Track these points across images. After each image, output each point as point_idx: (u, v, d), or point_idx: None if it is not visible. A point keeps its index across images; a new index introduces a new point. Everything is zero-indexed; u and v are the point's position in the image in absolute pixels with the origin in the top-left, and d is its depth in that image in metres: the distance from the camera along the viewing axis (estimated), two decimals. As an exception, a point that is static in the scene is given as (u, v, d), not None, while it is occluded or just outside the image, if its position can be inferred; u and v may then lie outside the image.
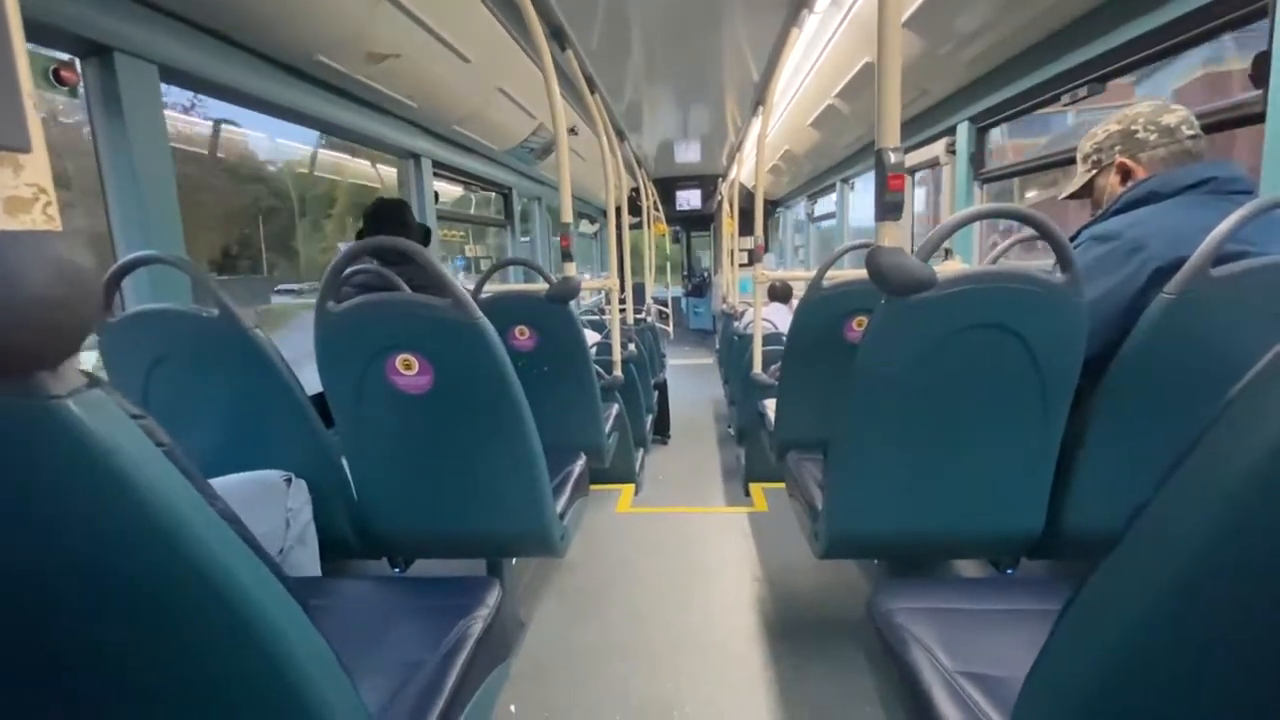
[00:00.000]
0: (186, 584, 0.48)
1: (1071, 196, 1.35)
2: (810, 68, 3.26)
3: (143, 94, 1.45)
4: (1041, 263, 1.50)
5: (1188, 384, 1.02)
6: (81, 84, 1.39)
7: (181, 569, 0.47)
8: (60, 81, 1.36)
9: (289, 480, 1.30)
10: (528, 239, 4.95)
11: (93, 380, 0.42)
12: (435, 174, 3.10)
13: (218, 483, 1.21)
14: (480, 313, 1.18)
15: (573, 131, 3.81)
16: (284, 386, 1.25)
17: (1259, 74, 1.41)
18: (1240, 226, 0.97)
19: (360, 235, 1.91)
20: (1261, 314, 0.98)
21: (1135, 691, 0.45)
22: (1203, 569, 0.39)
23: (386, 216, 1.89)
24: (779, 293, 4.25)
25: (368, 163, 3.33)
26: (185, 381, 1.26)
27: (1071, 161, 1.38)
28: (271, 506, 1.25)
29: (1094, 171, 1.27)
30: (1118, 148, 1.22)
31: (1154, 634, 0.43)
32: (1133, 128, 1.20)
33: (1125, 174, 1.22)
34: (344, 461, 1.38)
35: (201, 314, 1.22)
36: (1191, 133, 1.17)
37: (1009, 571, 1.39)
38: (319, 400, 1.31)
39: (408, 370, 1.22)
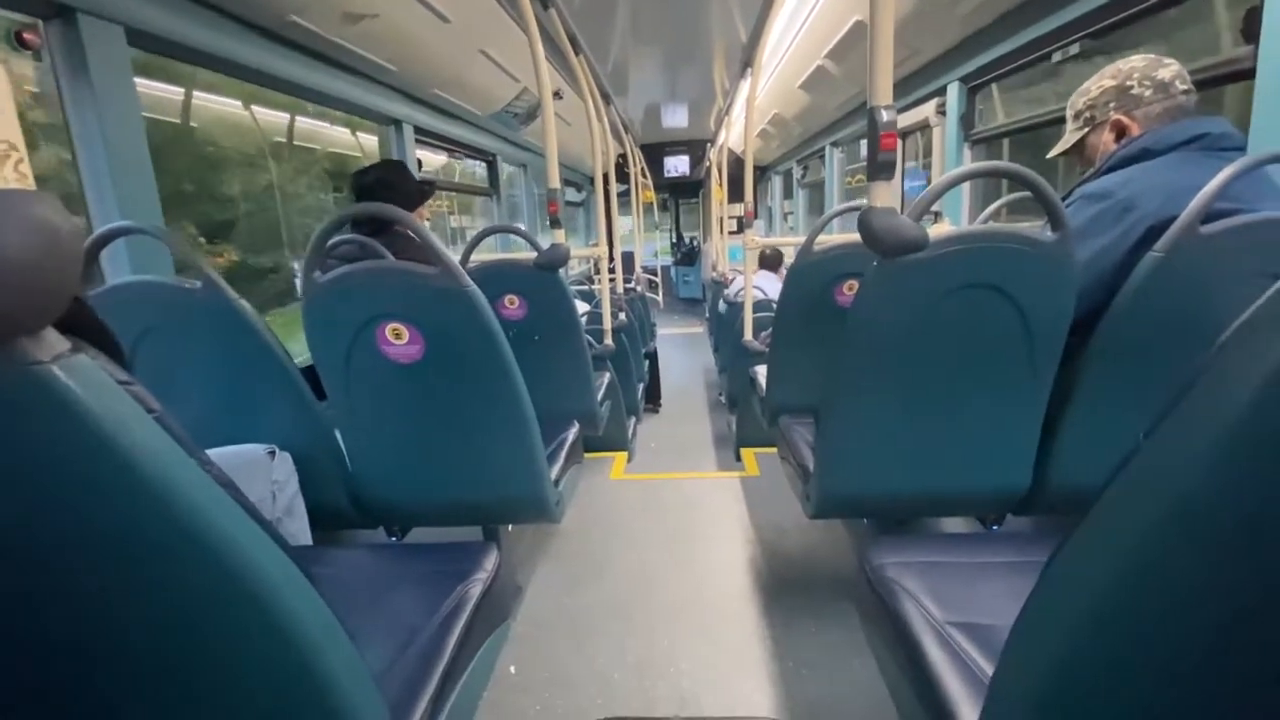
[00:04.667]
0: (184, 550, 0.47)
1: (1061, 154, 1.34)
2: (799, 27, 3.19)
3: (110, 57, 1.40)
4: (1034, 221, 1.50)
5: (1175, 341, 1.03)
6: (46, 47, 1.33)
7: (178, 535, 0.46)
8: (23, 45, 1.31)
9: (272, 453, 1.29)
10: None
11: (77, 345, 0.41)
12: (417, 141, 3.03)
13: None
14: (470, 280, 1.17)
15: (557, 95, 3.72)
16: (272, 358, 1.24)
17: (1250, 29, 1.40)
18: (1228, 184, 0.97)
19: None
20: (1249, 271, 0.99)
21: (1119, 636, 0.46)
22: (1188, 516, 0.40)
23: (380, 182, 1.84)
24: (769, 260, 4.24)
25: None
26: (171, 355, 1.24)
27: (1062, 121, 1.36)
28: (256, 480, 1.24)
29: (1086, 129, 1.25)
30: (1112, 104, 1.20)
31: (1139, 579, 0.44)
32: (1128, 83, 1.18)
33: (1120, 131, 1.20)
34: (337, 433, 1.37)
35: (185, 286, 1.20)
36: (1185, 87, 1.16)
37: (994, 528, 1.42)
38: (309, 372, 1.29)
39: (398, 340, 1.21)
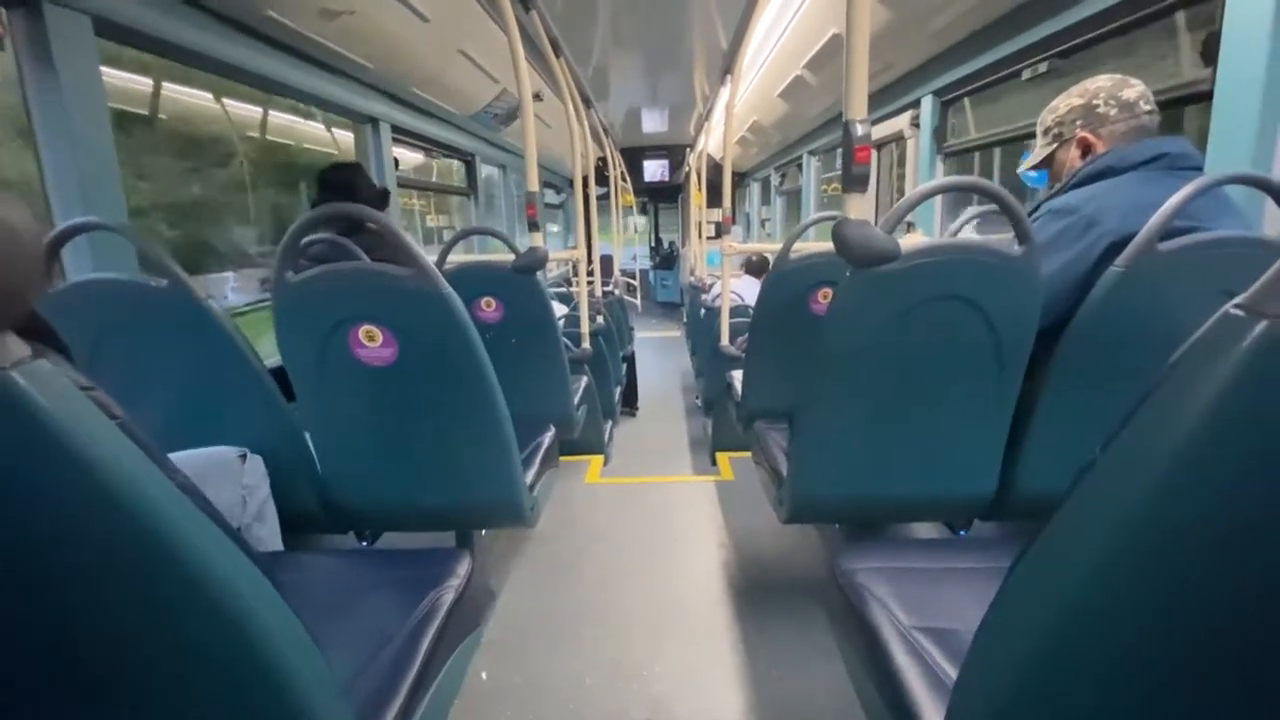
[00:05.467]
0: (147, 558, 0.46)
1: (1030, 169, 1.37)
2: (778, 37, 3.23)
3: (76, 48, 1.36)
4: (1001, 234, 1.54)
5: (1134, 354, 1.06)
6: (9, 36, 1.29)
7: (141, 543, 0.45)
8: None
9: (244, 456, 1.27)
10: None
11: (38, 351, 0.40)
12: (395, 139, 3.00)
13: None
14: (445, 282, 1.16)
15: (537, 97, 3.71)
16: (240, 359, 1.22)
17: (1208, 53, 1.45)
18: (1185, 204, 1.00)
19: (315, 204, 1.83)
20: (1204, 287, 1.02)
21: (1077, 643, 0.47)
22: (1143, 528, 0.41)
23: (339, 183, 1.81)
24: (755, 266, 4.25)
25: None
26: (134, 356, 1.21)
27: (1032, 135, 1.40)
28: (226, 484, 1.22)
29: (1055, 145, 1.29)
30: (1079, 122, 1.24)
31: (1096, 588, 0.45)
32: (1094, 102, 1.22)
33: (1085, 148, 1.24)
34: (307, 436, 1.35)
35: (150, 284, 1.17)
36: (1149, 108, 1.20)
37: (961, 534, 1.45)
38: (279, 373, 1.27)
39: (371, 342, 1.19)
